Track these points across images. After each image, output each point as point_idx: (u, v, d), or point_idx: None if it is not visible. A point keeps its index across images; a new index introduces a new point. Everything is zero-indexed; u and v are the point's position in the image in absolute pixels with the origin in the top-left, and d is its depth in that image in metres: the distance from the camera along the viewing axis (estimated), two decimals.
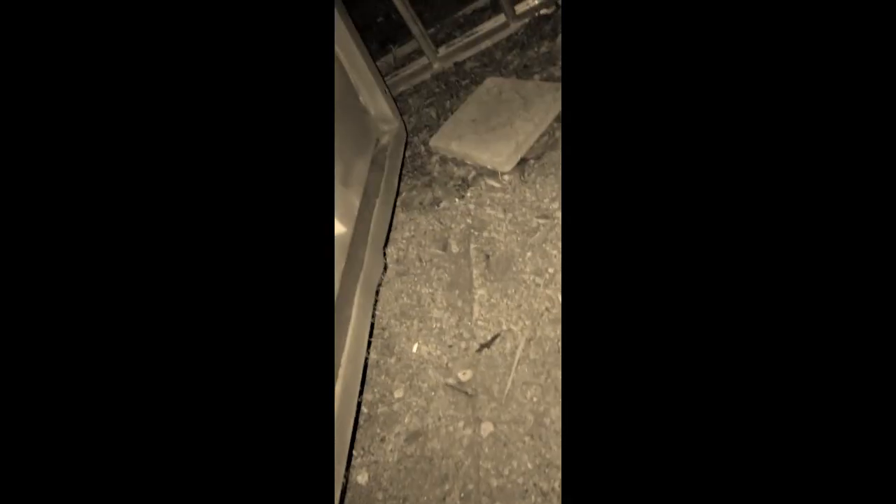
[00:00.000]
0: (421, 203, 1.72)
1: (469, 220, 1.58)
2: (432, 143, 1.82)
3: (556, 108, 1.65)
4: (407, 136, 1.70)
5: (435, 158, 1.83)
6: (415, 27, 1.98)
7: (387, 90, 1.57)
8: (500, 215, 1.53)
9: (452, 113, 1.88)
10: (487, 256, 1.45)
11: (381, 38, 2.46)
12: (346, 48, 1.39)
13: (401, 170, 1.63)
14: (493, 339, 1.23)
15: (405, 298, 1.47)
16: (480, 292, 1.36)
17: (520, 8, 1.93)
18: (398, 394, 1.26)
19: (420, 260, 1.56)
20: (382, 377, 1.31)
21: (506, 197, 1.57)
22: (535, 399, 1.09)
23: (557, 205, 1.46)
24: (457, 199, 1.65)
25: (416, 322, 1.39)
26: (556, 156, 1.59)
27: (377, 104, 1.52)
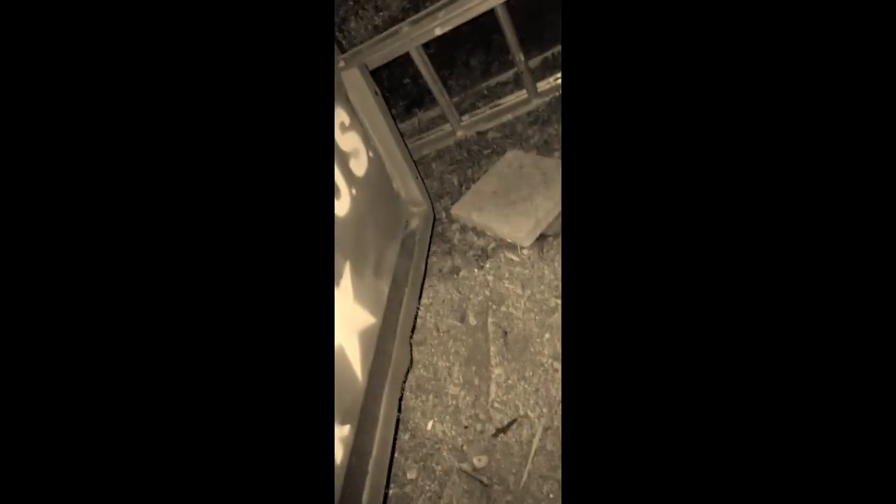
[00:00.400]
0: (440, 270, 1.76)
1: (487, 293, 1.61)
2: (454, 211, 1.88)
3: None
4: (434, 215, 1.74)
5: (455, 226, 1.88)
6: (441, 98, 2.08)
7: (419, 175, 1.63)
8: (519, 290, 1.55)
9: (474, 182, 1.95)
10: (505, 333, 1.46)
11: (406, 100, 2.56)
12: (385, 140, 1.46)
13: (428, 252, 1.67)
14: (510, 424, 1.23)
15: (422, 370, 1.48)
16: (497, 371, 1.37)
17: (542, 86, 2.02)
18: (411, 475, 1.25)
19: (437, 330, 1.58)
20: (396, 455, 1.30)
21: (524, 272, 1.60)
22: (551, 495, 1.07)
23: None
24: (476, 269, 1.69)
25: (431, 397, 1.40)
26: None
27: (408, 189, 1.58)
